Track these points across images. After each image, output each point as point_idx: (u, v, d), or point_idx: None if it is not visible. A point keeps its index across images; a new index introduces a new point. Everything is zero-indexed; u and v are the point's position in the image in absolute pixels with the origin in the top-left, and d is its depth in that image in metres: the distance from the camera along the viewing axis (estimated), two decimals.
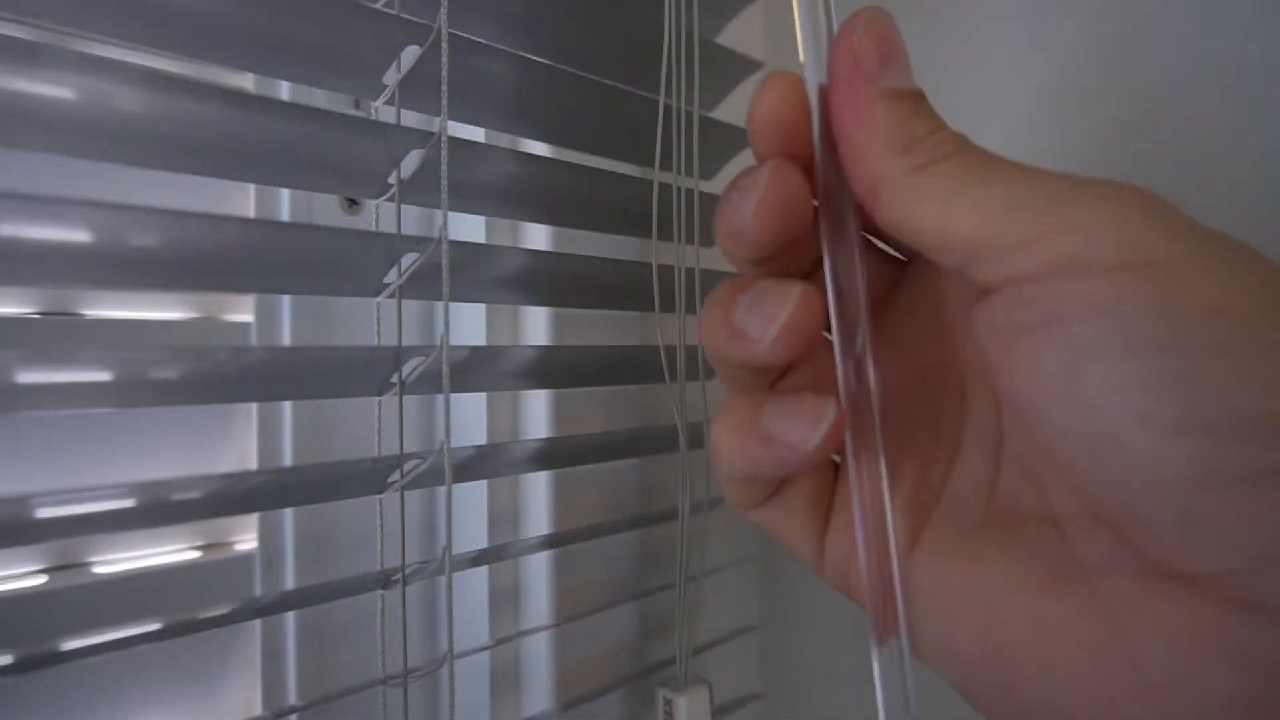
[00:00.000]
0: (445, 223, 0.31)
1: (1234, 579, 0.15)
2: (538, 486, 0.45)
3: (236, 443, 0.40)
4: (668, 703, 0.38)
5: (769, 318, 0.18)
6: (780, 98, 0.19)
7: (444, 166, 0.31)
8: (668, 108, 0.38)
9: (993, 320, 0.18)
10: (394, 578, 0.34)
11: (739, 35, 0.48)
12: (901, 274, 0.23)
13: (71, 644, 0.27)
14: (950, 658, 0.19)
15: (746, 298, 0.19)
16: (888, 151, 0.18)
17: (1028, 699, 0.18)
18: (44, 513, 0.26)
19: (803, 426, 0.19)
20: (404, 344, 0.32)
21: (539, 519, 0.45)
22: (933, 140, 0.18)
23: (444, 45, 0.30)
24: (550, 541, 0.41)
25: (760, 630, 0.56)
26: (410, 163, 0.32)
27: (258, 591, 0.40)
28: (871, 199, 0.19)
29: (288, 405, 0.40)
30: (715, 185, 0.44)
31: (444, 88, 0.30)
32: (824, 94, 0.19)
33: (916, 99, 0.19)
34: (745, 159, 0.47)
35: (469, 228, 0.44)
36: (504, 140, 0.42)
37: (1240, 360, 0.15)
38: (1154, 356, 0.15)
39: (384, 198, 0.33)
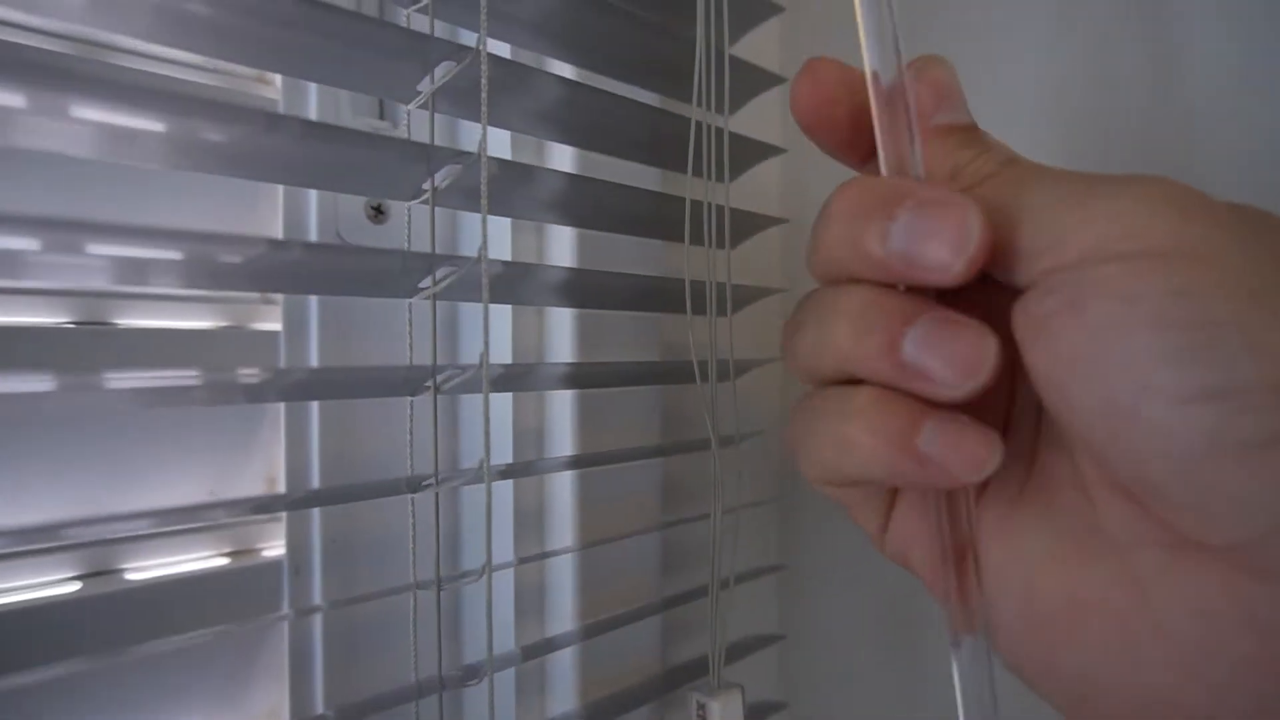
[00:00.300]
0: (485, 243, 0.31)
1: (1250, 548, 0.16)
2: (562, 489, 0.45)
3: (264, 449, 0.40)
4: (701, 707, 0.38)
5: (968, 368, 0.18)
6: (822, 80, 0.21)
7: (484, 188, 0.31)
8: (697, 122, 0.39)
9: (1026, 311, 0.18)
10: (428, 582, 0.34)
11: (756, 47, 0.49)
12: None
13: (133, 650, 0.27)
14: (996, 631, 0.20)
15: (919, 330, 0.18)
16: (938, 179, 0.20)
17: (1065, 667, 0.19)
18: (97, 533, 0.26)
19: (968, 463, 0.18)
20: (436, 349, 0.33)
21: (564, 522, 0.45)
22: (976, 165, 0.19)
23: (484, 66, 0.30)
24: (581, 547, 0.41)
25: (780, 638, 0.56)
26: (445, 175, 0.33)
27: (285, 598, 0.40)
28: None
29: (315, 418, 0.40)
30: (742, 199, 0.44)
31: (484, 108, 0.30)
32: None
33: (965, 131, 0.20)
34: (762, 168, 0.47)
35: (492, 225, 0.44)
36: (530, 144, 0.43)
37: (1246, 333, 0.16)
38: (1164, 332, 0.16)
39: (419, 200, 0.33)
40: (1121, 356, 0.16)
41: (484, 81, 0.30)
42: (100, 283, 0.26)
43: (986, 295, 0.22)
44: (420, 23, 0.34)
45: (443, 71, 0.30)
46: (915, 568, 0.22)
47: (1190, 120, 0.39)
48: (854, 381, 0.19)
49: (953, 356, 0.18)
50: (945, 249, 0.18)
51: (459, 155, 0.32)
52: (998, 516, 0.21)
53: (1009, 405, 0.22)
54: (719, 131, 0.40)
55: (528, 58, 0.42)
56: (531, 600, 0.46)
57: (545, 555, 0.40)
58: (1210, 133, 0.38)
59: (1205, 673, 0.17)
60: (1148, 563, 0.18)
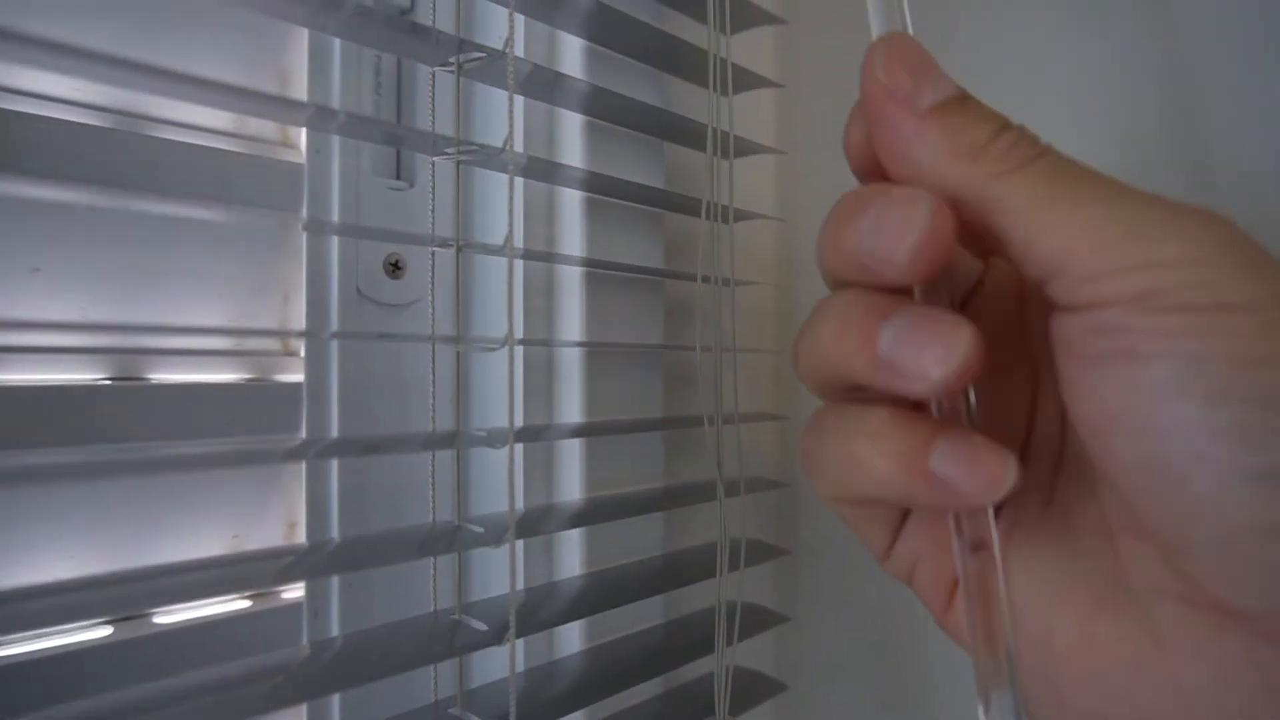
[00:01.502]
0: (512, 309, 0.33)
1: (1276, 617, 0.16)
2: (570, 545, 0.47)
3: (284, 494, 0.42)
4: None
5: (939, 359, 0.17)
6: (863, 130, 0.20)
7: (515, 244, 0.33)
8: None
9: (1069, 340, 0.17)
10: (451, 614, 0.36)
11: None
12: (987, 265, 0.23)
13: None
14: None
15: (895, 326, 0.17)
16: (955, 162, 0.18)
17: (1074, 705, 0.19)
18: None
19: (983, 485, 0.17)
20: (460, 405, 0.34)
21: (571, 567, 0.47)
22: (1003, 143, 0.18)
23: (511, 151, 0.32)
24: (585, 609, 0.42)
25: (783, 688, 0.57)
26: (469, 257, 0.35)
27: (304, 639, 0.41)
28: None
29: (335, 463, 0.42)
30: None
31: (511, 204, 0.32)
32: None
33: (962, 104, 0.18)
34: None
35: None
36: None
37: None
38: (1225, 405, 0.15)
39: (442, 248, 0.35)
40: (1177, 422, 0.16)
41: (511, 174, 0.32)
42: None
43: (1025, 288, 0.21)
44: (446, 81, 0.36)
45: (467, 151, 0.32)
46: (919, 588, 0.22)
47: (1206, 147, 0.40)
48: (868, 401, 0.19)
49: (924, 348, 0.17)
50: (888, 246, 0.17)
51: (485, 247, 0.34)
52: (1012, 548, 0.20)
53: (1028, 425, 0.22)
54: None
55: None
56: (540, 651, 0.48)
57: (552, 622, 0.41)
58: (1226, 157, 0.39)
59: None
60: (1168, 616, 0.18)
